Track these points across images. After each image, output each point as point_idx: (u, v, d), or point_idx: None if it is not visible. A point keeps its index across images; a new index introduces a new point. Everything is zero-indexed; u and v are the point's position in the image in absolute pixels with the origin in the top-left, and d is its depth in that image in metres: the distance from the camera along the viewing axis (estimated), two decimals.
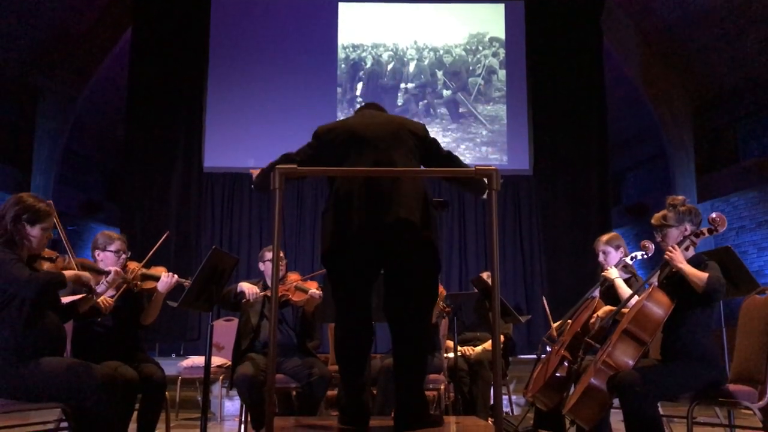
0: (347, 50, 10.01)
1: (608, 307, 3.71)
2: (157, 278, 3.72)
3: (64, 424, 3.30)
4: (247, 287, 4.29)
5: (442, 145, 3.18)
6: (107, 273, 3.36)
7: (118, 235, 3.82)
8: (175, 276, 3.73)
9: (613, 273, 3.91)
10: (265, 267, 4.57)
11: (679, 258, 3.12)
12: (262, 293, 4.40)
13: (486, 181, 2.97)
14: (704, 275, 3.02)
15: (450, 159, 3.09)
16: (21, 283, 2.81)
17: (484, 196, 3.00)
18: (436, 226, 2.94)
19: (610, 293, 3.90)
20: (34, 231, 3.01)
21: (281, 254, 4.47)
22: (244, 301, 4.26)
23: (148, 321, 3.82)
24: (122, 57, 10.04)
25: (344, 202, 2.84)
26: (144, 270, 3.75)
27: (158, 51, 9.77)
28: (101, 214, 11.73)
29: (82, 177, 11.70)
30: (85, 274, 3.05)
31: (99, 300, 3.34)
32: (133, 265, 3.77)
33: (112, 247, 3.74)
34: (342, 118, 3.19)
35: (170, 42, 9.78)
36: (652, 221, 3.35)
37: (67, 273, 2.95)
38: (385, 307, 2.90)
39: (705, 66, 9.76)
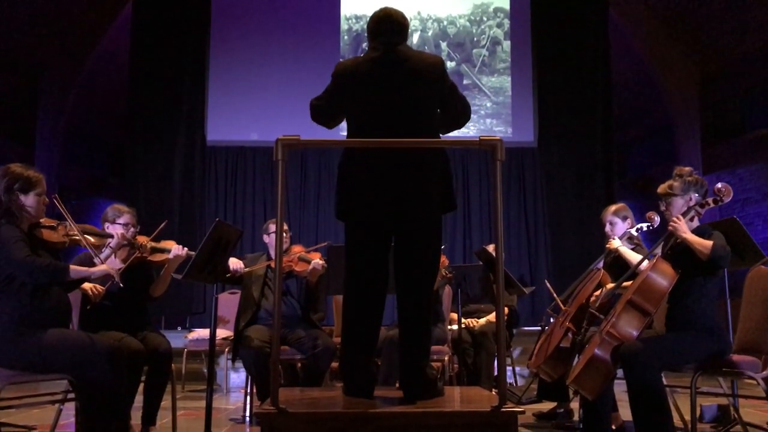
0: (350, 21, 9.92)
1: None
2: (167, 251, 3.73)
3: (71, 396, 3.34)
4: (233, 262, 4.30)
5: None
6: (111, 237, 3.37)
7: (128, 209, 3.82)
8: (186, 248, 3.74)
9: (616, 242, 3.91)
10: (270, 239, 4.59)
11: (683, 228, 3.10)
12: (265, 263, 4.42)
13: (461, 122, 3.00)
14: (709, 243, 3.01)
15: (461, 112, 3.00)
16: (15, 264, 2.81)
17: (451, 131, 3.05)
18: (452, 186, 2.93)
19: (615, 265, 3.90)
20: (29, 199, 3.00)
21: (285, 226, 4.49)
22: (228, 275, 4.27)
23: (157, 293, 3.84)
24: (124, 30, 9.97)
25: (357, 161, 2.84)
26: (153, 243, 3.76)
27: (160, 24, 9.70)
28: (106, 190, 11.74)
29: (87, 152, 11.69)
30: (98, 270, 3.03)
31: (87, 287, 3.33)
32: (142, 239, 3.78)
33: (121, 220, 3.74)
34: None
35: (172, 15, 9.71)
36: (658, 190, 3.33)
37: (74, 271, 2.92)
38: (395, 278, 2.89)
39: (712, 37, 9.65)
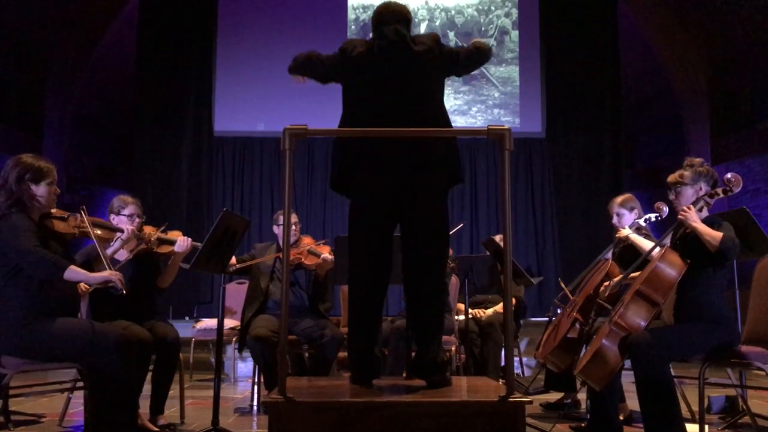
0: (357, 11, 9.88)
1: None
2: (173, 242, 3.74)
3: (80, 384, 3.36)
4: None
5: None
6: (121, 231, 3.38)
7: (133, 199, 3.83)
8: (190, 239, 3.75)
9: (627, 230, 3.88)
10: (280, 230, 4.59)
11: (694, 217, 3.08)
12: (274, 254, 4.43)
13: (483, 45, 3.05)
14: (719, 234, 2.99)
15: (468, 60, 3.05)
16: (18, 252, 2.82)
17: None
18: (459, 160, 2.94)
19: (624, 255, 3.88)
20: (40, 189, 3.01)
21: (295, 218, 4.49)
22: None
23: (164, 284, 3.86)
24: (132, 20, 9.97)
25: (362, 143, 2.84)
26: (160, 234, 3.77)
27: (167, 14, 9.70)
28: (114, 180, 11.77)
29: (94, 142, 11.71)
30: (98, 276, 3.01)
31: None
32: (149, 230, 3.80)
33: (126, 211, 3.75)
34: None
35: (179, 5, 9.71)
36: (668, 179, 3.31)
37: (72, 271, 2.88)
38: (403, 267, 2.90)
39: (722, 27, 9.57)
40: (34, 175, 2.99)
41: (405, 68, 2.86)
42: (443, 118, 2.91)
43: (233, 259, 4.29)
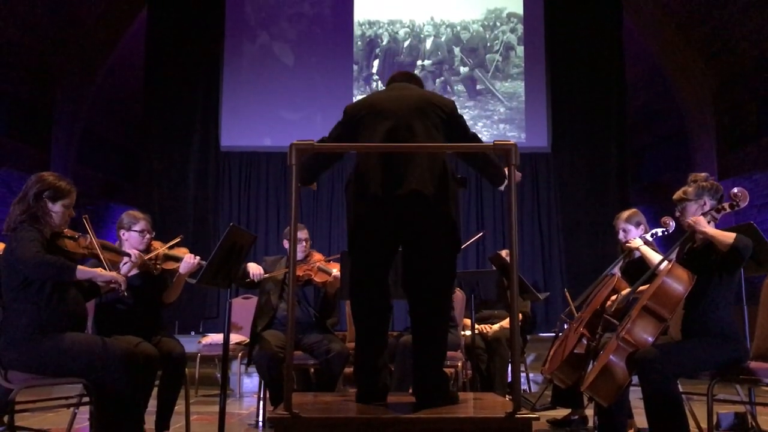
0: (363, 27, 9.93)
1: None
2: (179, 259, 3.75)
3: (86, 400, 3.35)
4: (253, 267, 4.30)
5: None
6: (129, 255, 3.40)
7: (143, 215, 3.84)
8: (198, 258, 3.76)
9: (638, 241, 3.85)
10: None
11: (703, 223, 3.06)
12: (286, 269, 4.42)
13: (506, 172, 2.92)
14: (731, 234, 2.97)
15: (474, 141, 3.05)
16: (24, 261, 2.84)
17: (502, 188, 2.99)
18: (457, 201, 2.91)
19: (630, 269, 3.86)
20: (56, 207, 3.06)
21: (306, 234, 4.50)
22: (247, 280, 4.27)
23: (170, 300, 3.87)
24: (139, 36, 10.05)
25: (363, 175, 2.87)
26: (167, 251, 3.78)
27: (174, 30, 9.78)
28: (120, 195, 11.81)
29: (101, 157, 11.76)
30: (106, 274, 3.04)
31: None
32: (157, 245, 3.81)
33: (137, 227, 3.77)
34: (358, 96, 3.13)
35: (186, 22, 9.79)
36: (674, 197, 3.30)
37: (81, 270, 2.91)
38: (403, 284, 2.90)
39: (727, 41, 9.57)
40: (52, 193, 3.06)
41: (409, 109, 2.91)
42: (440, 163, 2.88)
43: (260, 270, 4.28)
